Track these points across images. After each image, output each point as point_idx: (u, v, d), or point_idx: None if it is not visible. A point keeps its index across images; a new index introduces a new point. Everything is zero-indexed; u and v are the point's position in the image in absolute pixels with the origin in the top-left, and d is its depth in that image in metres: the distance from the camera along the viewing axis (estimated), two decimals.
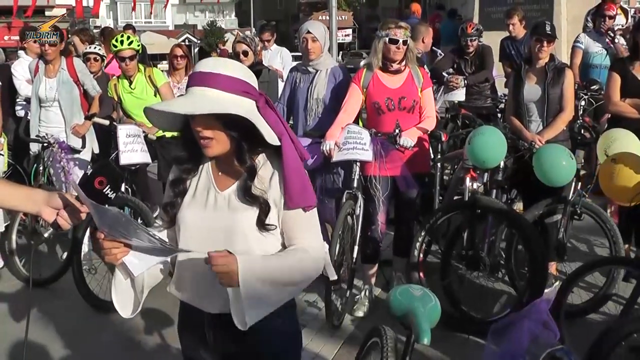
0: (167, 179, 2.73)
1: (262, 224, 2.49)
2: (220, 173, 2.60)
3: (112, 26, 30.87)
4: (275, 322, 2.55)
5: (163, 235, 2.70)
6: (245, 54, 6.64)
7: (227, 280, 2.33)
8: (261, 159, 2.54)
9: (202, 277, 2.52)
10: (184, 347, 2.81)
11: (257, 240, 2.50)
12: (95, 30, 32.18)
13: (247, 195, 2.49)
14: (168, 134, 6.64)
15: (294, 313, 2.75)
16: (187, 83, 2.53)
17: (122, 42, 6.81)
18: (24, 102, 8.36)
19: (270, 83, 6.73)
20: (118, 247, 2.40)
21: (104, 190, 2.38)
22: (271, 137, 2.43)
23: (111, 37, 8.41)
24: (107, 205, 2.36)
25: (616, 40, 8.76)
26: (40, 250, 7.02)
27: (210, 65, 2.48)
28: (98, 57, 8.49)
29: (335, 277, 2.71)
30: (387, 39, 5.49)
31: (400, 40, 5.46)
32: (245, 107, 2.43)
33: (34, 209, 2.42)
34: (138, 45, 7.06)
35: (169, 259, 2.55)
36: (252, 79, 2.52)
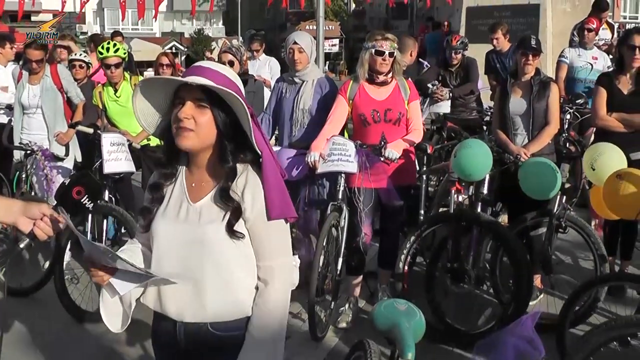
0: (148, 182, 2.73)
1: (231, 229, 2.48)
2: (193, 184, 2.60)
3: (98, 32, 30.82)
4: (243, 331, 2.57)
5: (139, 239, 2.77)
6: (231, 64, 6.60)
7: None
8: (240, 168, 2.53)
9: (175, 285, 2.53)
10: (157, 354, 2.80)
11: (228, 251, 2.51)
12: (81, 37, 32.05)
13: (224, 197, 2.49)
14: (152, 143, 6.61)
15: None
16: (184, 74, 2.57)
17: (107, 50, 6.77)
18: (6, 109, 8.30)
19: (256, 93, 6.71)
20: (105, 269, 2.46)
21: (82, 200, 2.37)
22: (254, 141, 2.47)
23: (99, 44, 8.38)
24: (89, 235, 2.37)
25: None
26: (23, 259, 6.96)
27: (210, 64, 2.56)
28: (83, 64, 8.44)
29: (296, 283, 2.74)
30: (373, 50, 5.49)
31: (387, 52, 5.46)
32: (239, 99, 2.44)
33: (9, 219, 2.40)
34: (124, 53, 7.02)
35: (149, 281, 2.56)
36: (243, 90, 2.58)
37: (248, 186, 2.50)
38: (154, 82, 2.59)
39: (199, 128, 2.45)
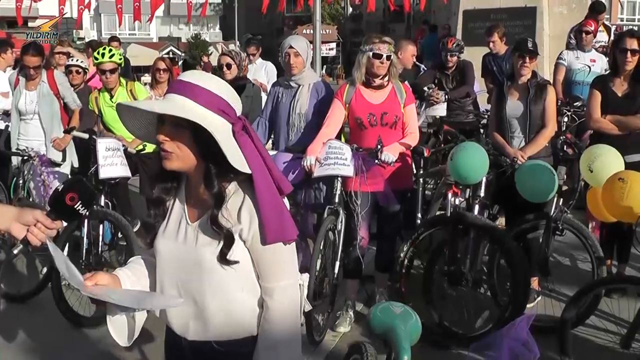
0: (149, 195, 2.64)
1: (224, 258, 2.38)
2: (192, 202, 2.52)
3: (95, 38, 30.87)
4: (248, 348, 2.50)
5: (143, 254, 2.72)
6: (229, 66, 6.60)
7: None
8: (232, 188, 2.42)
9: (181, 306, 2.49)
10: None
11: (227, 274, 2.42)
12: (78, 42, 32.09)
13: (214, 225, 2.37)
14: (148, 148, 6.62)
15: None
16: (167, 90, 2.49)
17: (103, 55, 6.78)
18: (3, 115, 8.31)
19: (254, 98, 6.71)
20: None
21: (76, 207, 2.35)
22: (238, 162, 2.32)
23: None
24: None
25: None
26: (20, 265, 6.96)
27: (194, 76, 2.42)
28: (80, 70, 8.45)
29: (310, 308, 2.69)
30: (371, 53, 5.48)
31: (384, 55, 5.46)
32: (216, 125, 2.33)
33: (3, 225, 2.40)
34: (120, 59, 7.03)
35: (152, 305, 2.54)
36: (234, 100, 2.44)
37: (245, 205, 2.39)
38: (126, 107, 2.48)
39: (179, 150, 2.36)
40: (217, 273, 2.42)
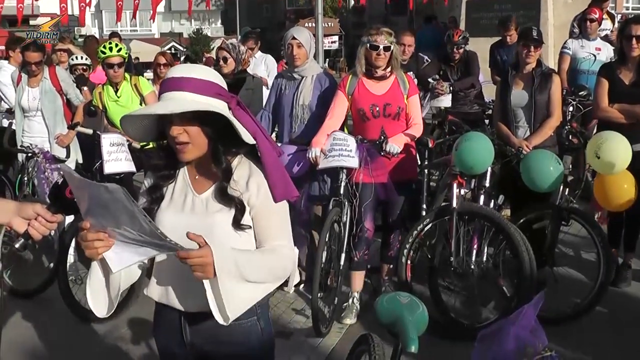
0: (142, 186, 2.74)
1: (237, 224, 2.53)
2: (197, 177, 2.64)
3: (97, 34, 30.85)
4: (249, 321, 2.62)
5: None
6: (225, 60, 6.57)
7: (203, 272, 2.30)
8: (237, 161, 2.60)
9: (180, 275, 2.53)
10: (160, 347, 2.82)
11: (234, 241, 2.52)
12: (80, 39, 32.10)
13: (223, 196, 2.54)
14: (152, 143, 6.60)
15: (266, 314, 2.78)
16: (160, 90, 2.57)
17: (110, 49, 6.76)
18: (6, 113, 8.32)
19: (254, 90, 6.68)
20: (101, 240, 2.30)
21: (75, 200, 2.36)
22: (246, 136, 2.48)
23: (93, 45, 8.38)
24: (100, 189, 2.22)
25: None
26: (27, 260, 6.95)
27: (182, 70, 2.53)
28: (86, 67, 8.47)
29: (298, 281, 2.77)
30: (368, 45, 5.47)
31: (381, 47, 5.43)
32: (220, 108, 2.47)
33: (4, 219, 2.43)
34: (125, 53, 7.02)
35: (146, 261, 2.55)
36: (221, 81, 2.57)
37: (252, 174, 2.56)
38: (135, 116, 2.60)
39: (193, 138, 2.50)
40: (226, 240, 2.49)
